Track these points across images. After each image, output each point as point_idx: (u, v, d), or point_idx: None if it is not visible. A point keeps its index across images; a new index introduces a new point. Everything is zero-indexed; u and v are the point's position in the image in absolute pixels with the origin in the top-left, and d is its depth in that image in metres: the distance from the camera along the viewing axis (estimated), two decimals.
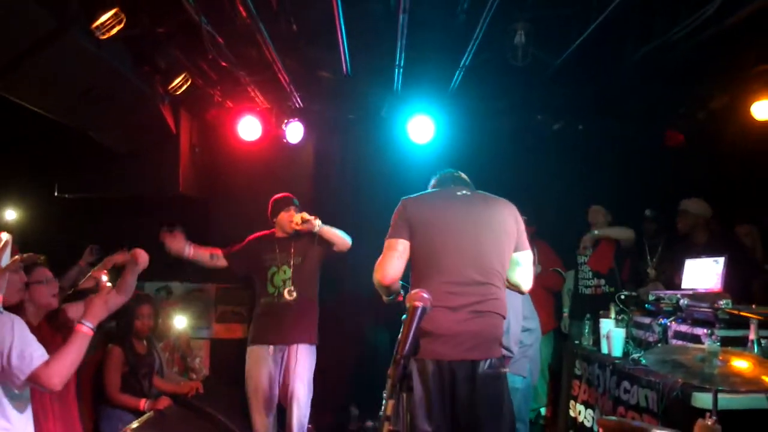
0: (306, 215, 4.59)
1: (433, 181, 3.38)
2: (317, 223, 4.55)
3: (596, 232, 5.66)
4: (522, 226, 3.15)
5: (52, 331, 3.22)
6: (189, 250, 4.63)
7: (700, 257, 4.21)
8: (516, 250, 3.10)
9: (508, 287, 3.12)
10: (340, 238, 4.62)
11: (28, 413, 2.67)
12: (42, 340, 2.66)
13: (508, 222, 3.09)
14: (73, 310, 3.28)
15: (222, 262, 4.75)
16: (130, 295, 3.57)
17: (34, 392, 2.72)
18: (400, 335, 2.07)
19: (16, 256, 2.40)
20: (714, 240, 4.91)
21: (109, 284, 2.96)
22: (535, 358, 4.35)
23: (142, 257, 3.51)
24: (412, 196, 3.15)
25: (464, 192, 3.15)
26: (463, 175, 3.34)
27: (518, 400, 4.05)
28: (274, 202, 4.79)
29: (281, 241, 4.73)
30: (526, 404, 4.20)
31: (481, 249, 2.98)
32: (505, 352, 3.96)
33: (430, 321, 2.70)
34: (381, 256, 3.04)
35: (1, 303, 2.35)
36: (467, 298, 2.89)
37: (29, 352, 2.50)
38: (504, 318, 3.02)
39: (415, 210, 3.05)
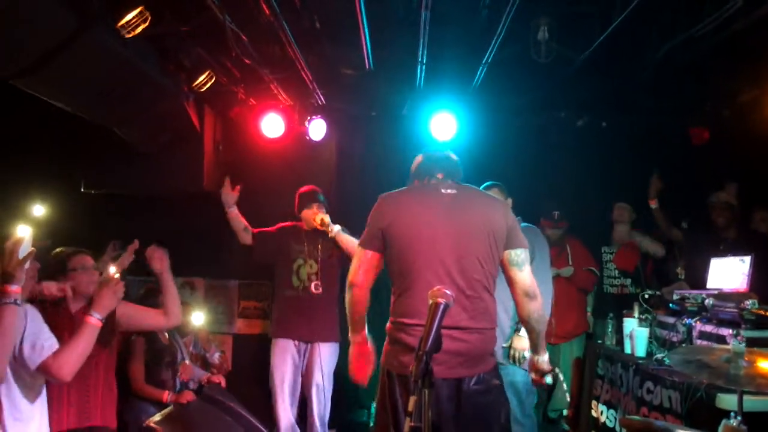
0: (326, 219, 4.62)
1: (416, 165, 3.10)
2: (333, 229, 4.58)
3: (638, 238, 5.61)
4: (513, 223, 2.89)
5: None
6: (234, 210, 4.80)
7: (726, 256, 4.15)
8: (508, 247, 2.84)
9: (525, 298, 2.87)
10: (352, 250, 4.60)
11: (40, 403, 2.68)
12: (77, 328, 2.67)
13: (496, 220, 2.83)
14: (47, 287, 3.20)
15: (249, 239, 4.81)
16: (176, 296, 3.59)
17: (50, 381, 2.73)
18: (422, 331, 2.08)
19: (32, 248, 2.41)
20: (744, 235, 4.82)
21: (117, 275, 2.94)
22: None
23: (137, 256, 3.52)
24: (391, 194, 2.92)
25: (449, 191, 2.87)
26: (453, 157, 3.05)
27: (519, 394, 3.99)
28: (299, 196, 4.86)
29: (309, 235, 4.80)
30: (529, 399, 4.12)
31: (467, 259, 2.74)
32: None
33: (413, 336, 2.66)
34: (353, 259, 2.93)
35: (20, 294, 2.36)
36: (453, 314, 2.52)
37: (41, 342, 2.52)
38: (494, 328, 2.85)
39: (392, 214, 2.82)
